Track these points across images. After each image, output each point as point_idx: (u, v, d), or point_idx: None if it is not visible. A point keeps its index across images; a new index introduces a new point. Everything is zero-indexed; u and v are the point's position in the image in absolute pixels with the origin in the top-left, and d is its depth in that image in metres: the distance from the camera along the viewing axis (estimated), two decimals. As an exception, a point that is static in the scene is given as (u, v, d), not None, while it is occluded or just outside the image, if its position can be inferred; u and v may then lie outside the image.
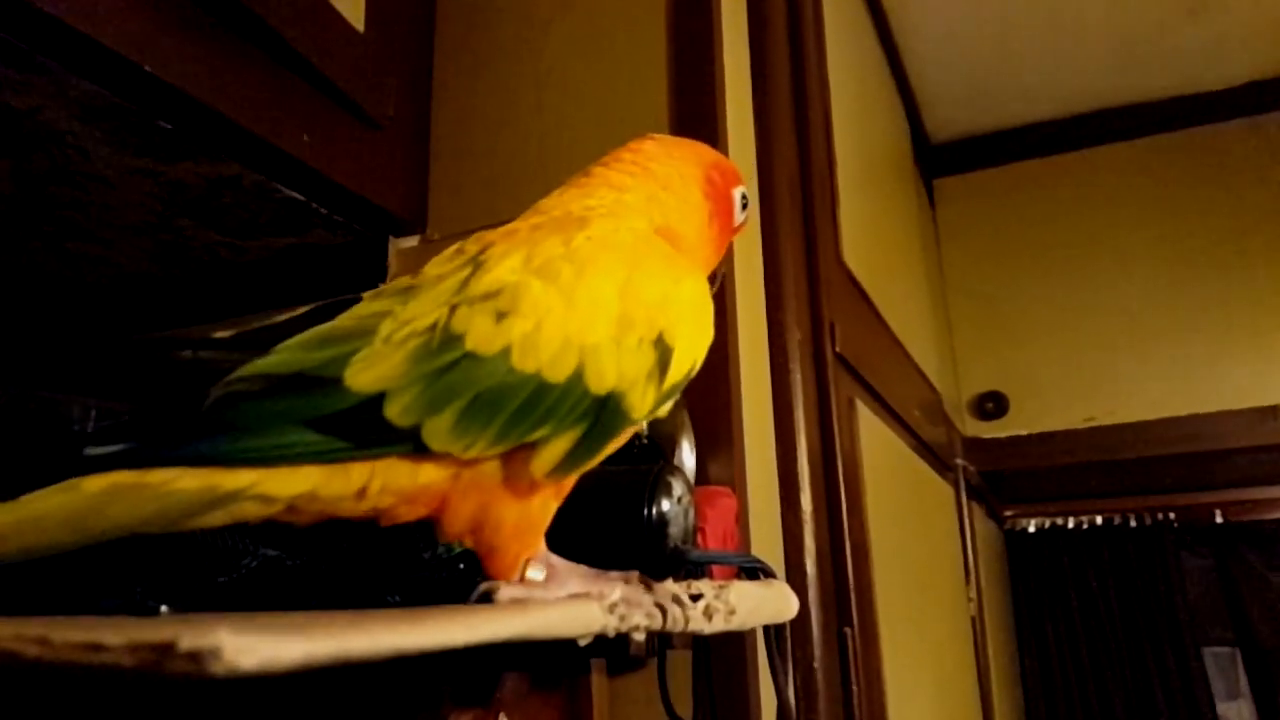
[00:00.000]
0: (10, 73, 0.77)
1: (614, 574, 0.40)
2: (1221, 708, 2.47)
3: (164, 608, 0.36)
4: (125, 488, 0.29)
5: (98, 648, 0.20)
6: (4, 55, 0.74)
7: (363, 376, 0.33)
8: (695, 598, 0.43)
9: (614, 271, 0.38)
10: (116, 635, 0.20)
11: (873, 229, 1.56)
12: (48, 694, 0.40)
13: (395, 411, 0.33)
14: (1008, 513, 2.70)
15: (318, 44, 0.91)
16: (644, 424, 0.42)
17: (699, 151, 0.50)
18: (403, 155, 1.06)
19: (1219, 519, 2.54)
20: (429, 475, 0.35)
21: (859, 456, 1.14)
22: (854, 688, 0.97)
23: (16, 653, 0.21)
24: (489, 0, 1.12)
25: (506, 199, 1.04)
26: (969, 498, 2.04)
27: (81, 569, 0.36)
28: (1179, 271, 2.31)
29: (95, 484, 0.28)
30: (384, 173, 1.02)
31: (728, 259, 0.91)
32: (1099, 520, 2.62)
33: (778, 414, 0.98)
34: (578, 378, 0.35)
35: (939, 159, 2.58)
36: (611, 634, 0.35)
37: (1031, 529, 2.68)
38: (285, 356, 0.33)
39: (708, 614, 0.43)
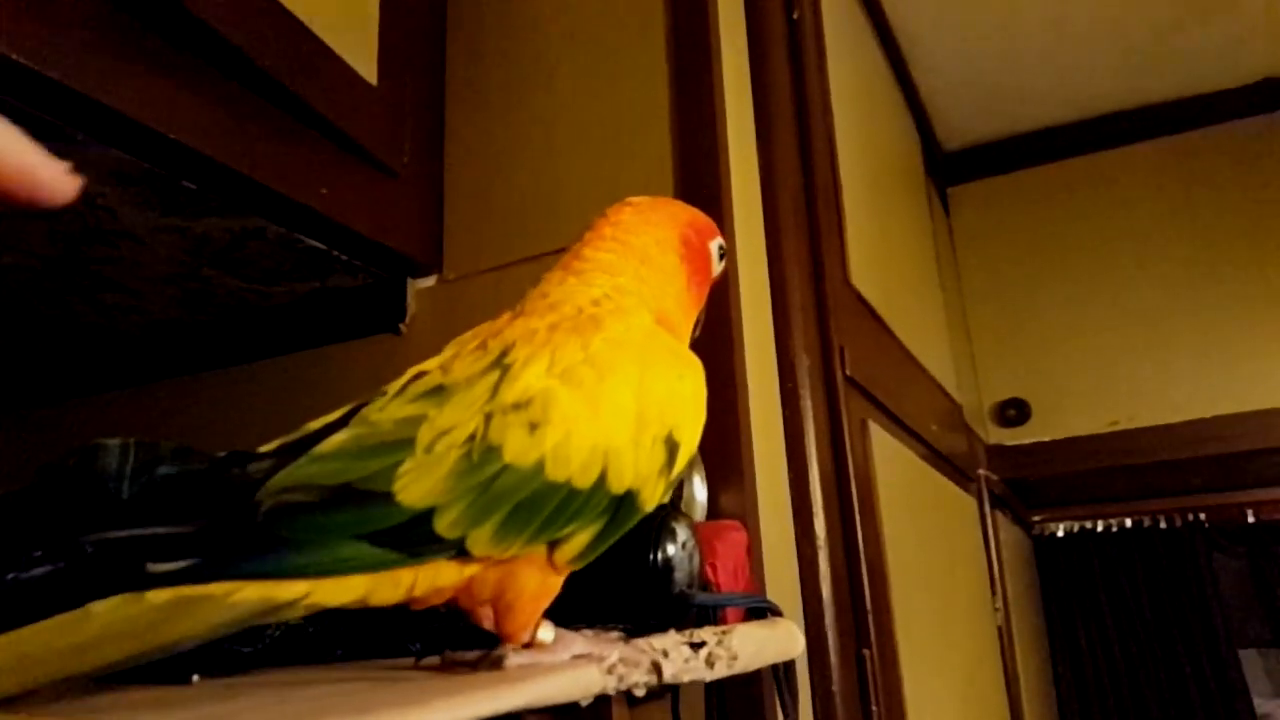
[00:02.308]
0: (43, 145, 0.81)
1: (610, 634, 0.43)
2: (1263, 705, 2.45)
3: (195, 676, 0.38)
4: (190, 600, 0.30)
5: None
6: (37, 129, 0.78)
7: (412, 491, 0.34)
8: (696, 646, 0.45)
9: (629, 373, 0.40)
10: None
11: (882, 245, 1.58)
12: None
13: (444, 525, 0.35)
14: (1035, 518, 2.69)
15: (333, 100, 0.94)
16: None
17: (673, 213, 0.52)
18: (418, 200, 1.09)
19: (1251, 519, 2.52)
20: (469, 572, 0.38)
21: (873, 477, 1.16)
22: (874, 709, 0.98)
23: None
24: (497, 45, 1.15)
25: (520, 237, 1.07)
26: (992, 507, 2.04)
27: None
28: (1199, 271, 2.30)
29: (160, 597, 0.30)
30: (400, 218, 1.06)
31: (733, 291, 0.93)
32: (1128, 523, 2.61)
33: (789, 441, 1.00)
34: (601, 481, 0.38)
35: (953, 167, 2.59)
36: (611, 693, 0.38)
37: (1060, 534, 2.67)
38: (331, 465, 0.34)
39: (709, 662, 0.45)
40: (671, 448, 0.41)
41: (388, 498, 0.34)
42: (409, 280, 1.12)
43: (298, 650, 0.46)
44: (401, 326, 1.11)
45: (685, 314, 0.51)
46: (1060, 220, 2.47)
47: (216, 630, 0.31)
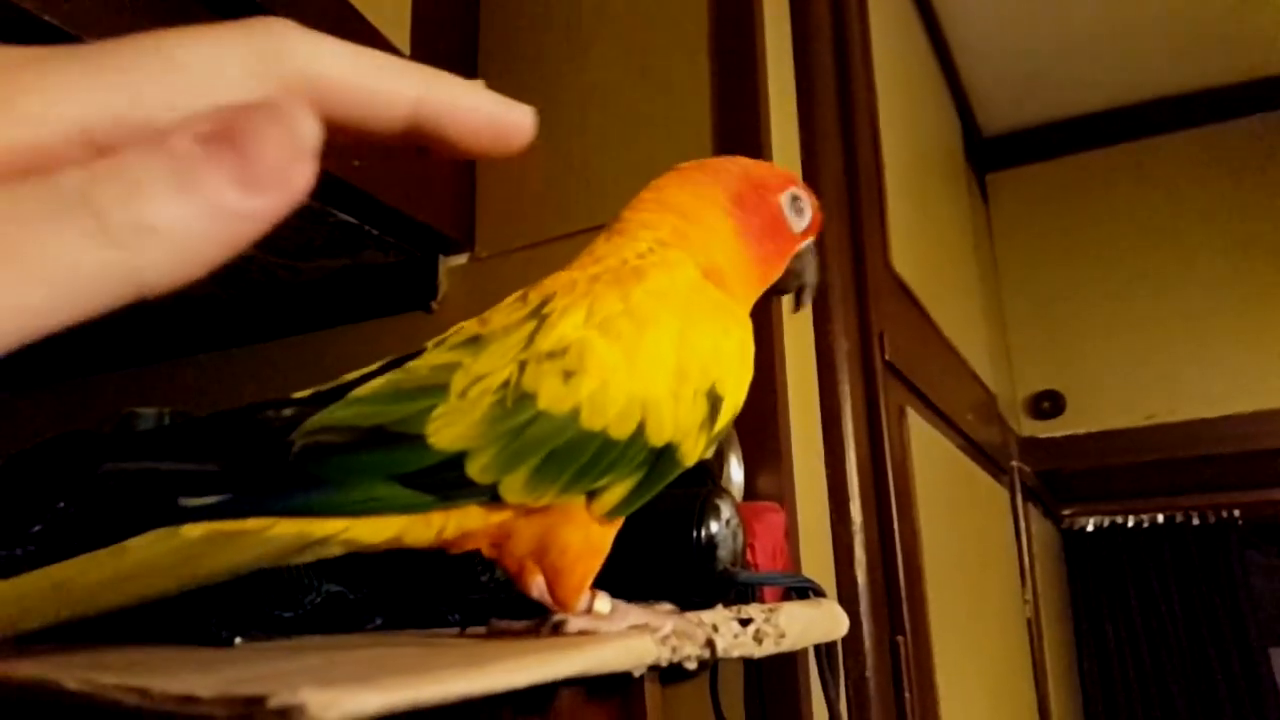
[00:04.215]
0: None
1: (663, 606, 0.42)
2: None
3: (238, 639, 0.38)
4: (225, 535, 0.31)
5: (192, 699, 0.22)
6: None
7: (444, 434, 0.34)
8: (745, 622, 0.44)
9: (670, 325, 0.39)
10: (207, 688, 0.22)
11: (922, 231, 1.55)
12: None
13: (476, 469, 0.35)
14: (1065, 512, 2.65)
15: (369, 71, 0.93)
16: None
17: (721, 169, 0.49)
18: (450, 176, 1.08)
19: (1286, 517, 2.47)
20: (501, 517, 0.37)
21: (910, 464, 1.14)
22: (906, 695, 0.97)
23: (120, 701, 0.23)
24: (532, 20, 1.14)
25: (553, 216, 1.05)
26: (1024, 499, 2.01)
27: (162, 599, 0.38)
28: (1242, 264, 2.25)
29: (194, 531, 0.30)
30: (433, 194, 1.05)
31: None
32: (1160, 519, 2.57)
33: (826, 426, 0.98)
34: (639, 432, 0.37)
35: (992, 153, 2.54)
36: (665, 664, 0.37)
37: (1090, 528, 2.64)
38: (365, 409, 0.35)
39: (758, 638, 0.44)
40: (714, 401, 0.40)
41: (420, 440, 0.34)
42: (441, 258, 1.11)
43: (338, 618, 0.46)
44: (433, 305, 1.10)
45: (742, 270, 0.47)
46: (1100, 209, 2.42)
47: (250, 565, 0.32)
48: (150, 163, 0.18)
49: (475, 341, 0.39)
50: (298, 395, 0.37)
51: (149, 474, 0.31)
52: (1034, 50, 2.18)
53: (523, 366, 0.37)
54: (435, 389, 0.36)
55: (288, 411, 0.34)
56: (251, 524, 0.31)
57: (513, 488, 0.35)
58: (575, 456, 0.36)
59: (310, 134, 0.19)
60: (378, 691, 0.22)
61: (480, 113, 0.24)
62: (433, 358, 0.38)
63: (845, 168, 1.15)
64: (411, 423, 0.34)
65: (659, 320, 0.39)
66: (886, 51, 1.45)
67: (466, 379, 0.36)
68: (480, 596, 0.53)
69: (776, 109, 1.00)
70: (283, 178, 0.19)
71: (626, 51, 1.07)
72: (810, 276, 0.51)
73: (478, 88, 0.24)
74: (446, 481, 0.34)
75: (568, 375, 0.37)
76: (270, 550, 0.32)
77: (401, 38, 1.01)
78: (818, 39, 1.14)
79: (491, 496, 0.36)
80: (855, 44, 1.26)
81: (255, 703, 0.21)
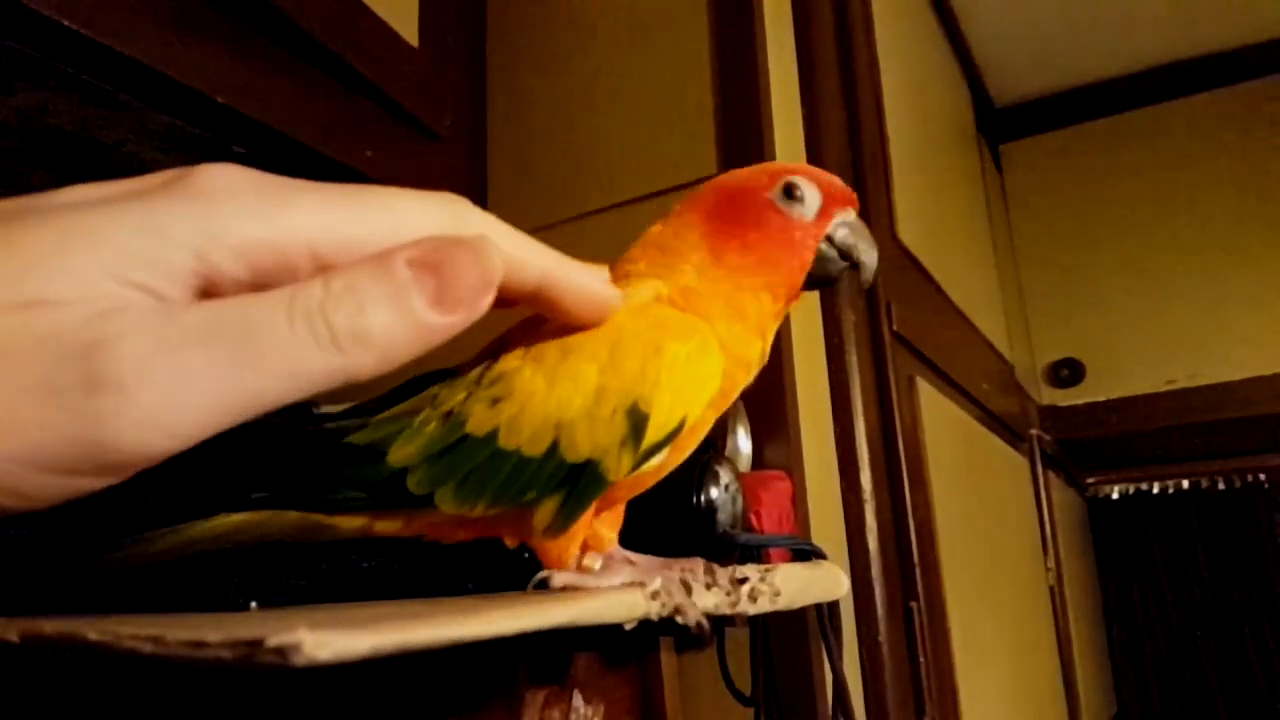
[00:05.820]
0: (98, 111, 0.83)
1: (682, 561, 0.44)
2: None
3: (253, 604, 0.40)
4: (261, 517, 0.41)
5: (201, 644, 0.24)
6: (90, 95, 0.80)
7: (396, 454, 0.40)
8: (741, 581, 0.46)
9: (597, 350, 0.40)
10: (215, 634, 0.24)
11: (932, 202, 1.55)
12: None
13: (413, 483, 0.40)
14: (1089, 480, 2.65)
15: (376, 63, 0.95)
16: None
17: (697, 192, 0.48)
18: (461, 163, 1.10)
19: (1313, 480, 2.46)
20: (449, 519, 0.42)
21: (921, 434, 1.15)
22: (921, 660, 0.98)
23: (136, 649, 0.25)
24: (537, 7, 1.15)
25: (563, 200, 1.07)
26: (1045, 467, 2.01)
27: (188, 571, 0.41)
28: (1259, 226, 2.23)
29: (240, 516, 0.40)
30: (444, 181, 1.06)
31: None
32: (1185, 484, 2.56)
33: (835, 396, 0.99)
34: (553, 450, 0.40)
35: (1004, 123, 2.53)
36: (655, 618, 0.38)
37: (1115, 496, 2.63)
38: (369, 432, 0.42)
39: (753, 596, 0.46)
40: (636, 420, 0.40)
41: (381, 456, 0.40)
42: (453, 243, 1.13)
43: (351, 587, 0.48)
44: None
45: (727, 284, 0.46)
46: (1115, 175, 2.40)
47: (276, 536, 0.42)
48: (371, 283, 0.23)
49: (450, 378, 0.43)
50: (335, 409, 0.45)
51: (219, 473, 0.42)
52: (1043, 19, 2.16)
53: (468, 397, 0.41)
54: (410, 415, 0.42)
55: (328, 425, 0.43)
56: (275, 511, 0.40)
57: (445, 499, 0.40)
58: (494, 473, 0.40)
59: (498, 269, 0.25)
60: (371, 633, 0.24)
61: (588, 289, 0.31)
62: (430, 391, 0.44)
63: (849, 142, 1.16)
64: (385, 443, 0.41)
65: (585, 346, 0.41)
66: (889, 26, 1.45)
67: (431, 408, 0.42)
68: (493, 564, 0.55)
69: (778, 85, 1.01)
70: (471, 301, 0.24)
71: (630, 33, 1.08)
72: (862, 254, 0.47)
73: (591, 270, 0.31)
74: (394, 492, 0.40)
75: (494, 401, 0.40)
76: (285, 528, 0.41)
77: (410, 28, 1.03)
78: (819, 13, 1.15)
79: (434, 505, 0.41)
80: (857, 20, 1.26)
81: (255, 644, 0.23)
